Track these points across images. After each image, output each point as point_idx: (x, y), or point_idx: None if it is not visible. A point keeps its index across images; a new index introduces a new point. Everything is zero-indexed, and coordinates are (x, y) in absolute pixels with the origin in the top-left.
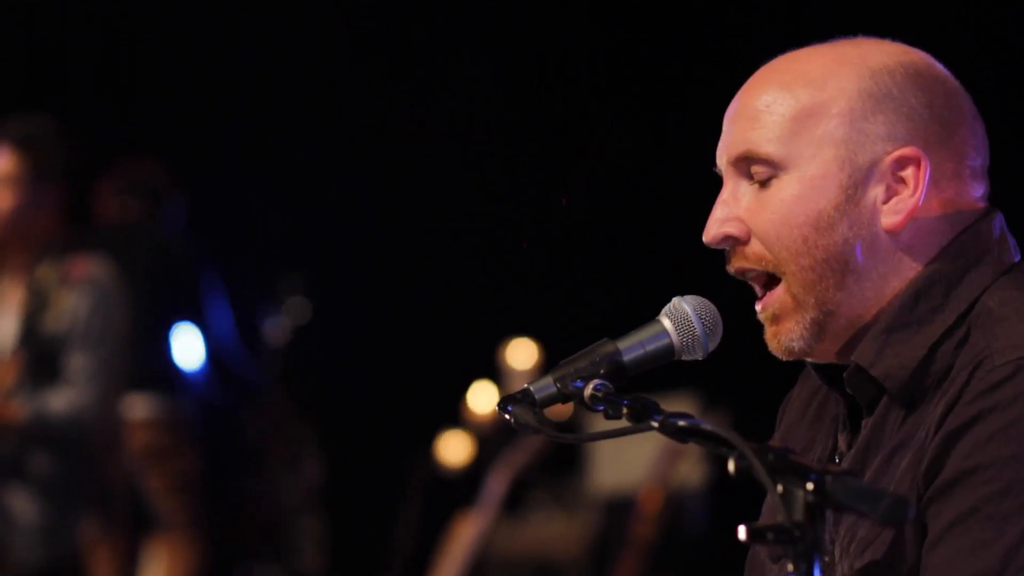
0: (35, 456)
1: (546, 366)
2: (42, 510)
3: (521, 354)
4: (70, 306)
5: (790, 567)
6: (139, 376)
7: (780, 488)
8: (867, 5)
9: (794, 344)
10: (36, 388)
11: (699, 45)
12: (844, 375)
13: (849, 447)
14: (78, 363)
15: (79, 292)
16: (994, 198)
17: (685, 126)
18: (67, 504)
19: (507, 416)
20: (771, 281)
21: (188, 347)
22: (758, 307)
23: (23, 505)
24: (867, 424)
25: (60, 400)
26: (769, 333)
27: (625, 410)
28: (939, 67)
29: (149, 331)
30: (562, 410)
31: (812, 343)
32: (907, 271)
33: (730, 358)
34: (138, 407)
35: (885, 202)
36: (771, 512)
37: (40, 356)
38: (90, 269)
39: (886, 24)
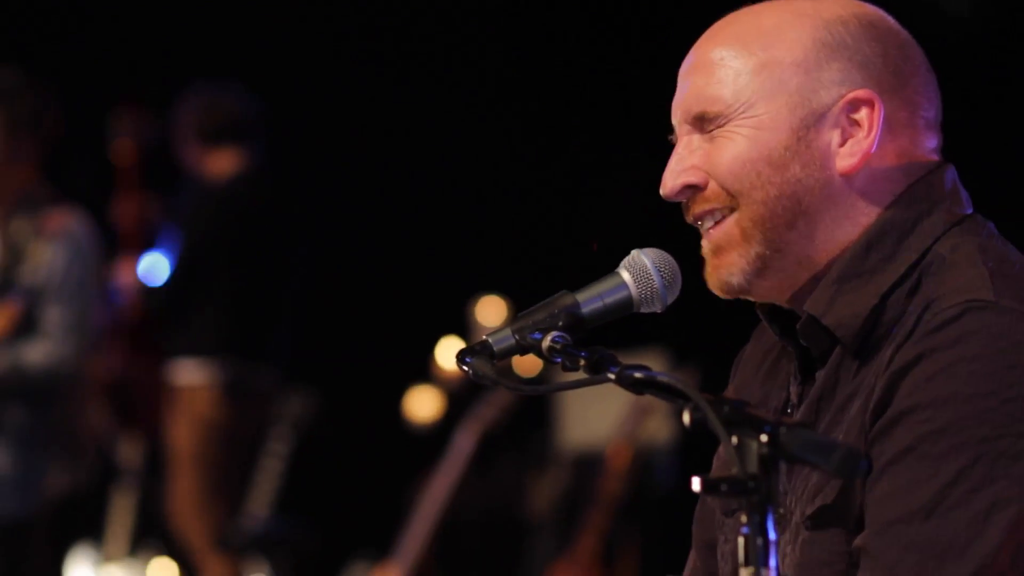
0: (10, 408)
1: None
2: (15, 462)
3: (491, 310)
4: (46, 259)
5: (743, 519)
6: None
7: (735, 440)
8: None
9: (733, 279)
10: (12, 340)
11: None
12: (797, 325)
13: (801, 399)
14: (55, 316)
15: (55, 245)
16: (948, 152)
17: (646, 82)
18: (40, 456)
19: (465, 368)
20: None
21: None
22: (704, 241)
23: None
24: (820, 375)
25: (37, 352)
26: (710, 267)
27: (582, 362)
28: (891, 20)
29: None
30: (532, 365)
31: (752, 278)
32: (860, 217)
33: (699, 314)
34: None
35: (841, 145)
36: (722, 465)
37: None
38: (65, 222)
39: None
